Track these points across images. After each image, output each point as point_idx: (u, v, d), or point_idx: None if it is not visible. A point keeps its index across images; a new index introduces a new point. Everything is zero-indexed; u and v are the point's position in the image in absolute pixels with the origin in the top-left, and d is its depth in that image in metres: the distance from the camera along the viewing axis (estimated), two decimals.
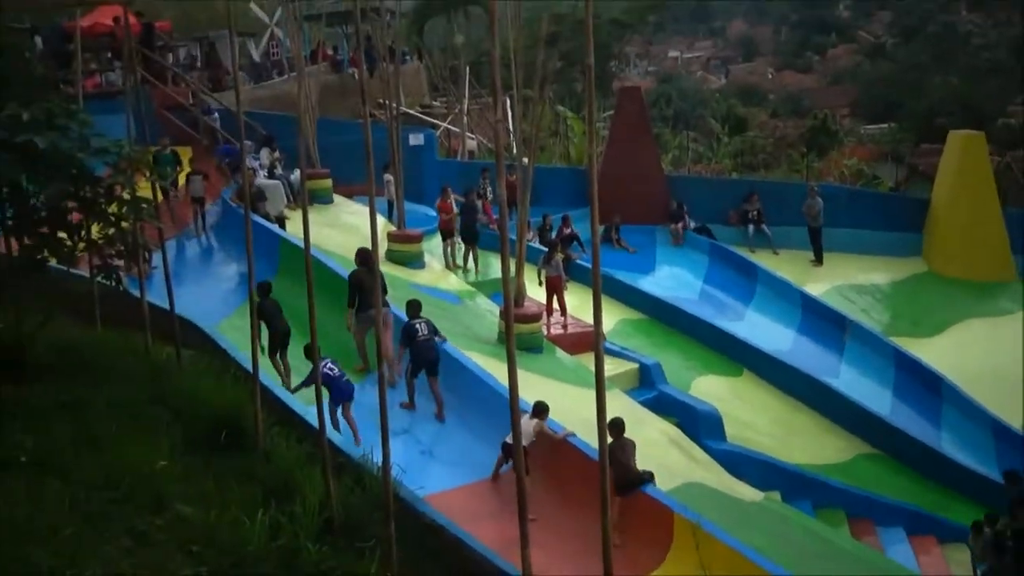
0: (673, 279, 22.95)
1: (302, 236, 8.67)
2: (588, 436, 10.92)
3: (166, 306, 10.90)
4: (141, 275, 10.87)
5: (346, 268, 14.59)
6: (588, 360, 14.89)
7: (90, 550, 6.11)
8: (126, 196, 9.22)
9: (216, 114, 24.57)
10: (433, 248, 20.55)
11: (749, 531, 10.63)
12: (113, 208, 9.15)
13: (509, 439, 10.88)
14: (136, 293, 10.77)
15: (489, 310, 17.18)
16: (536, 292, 17.61)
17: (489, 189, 23.40)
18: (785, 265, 23.58)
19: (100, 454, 7.56)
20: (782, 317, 21.30)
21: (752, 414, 17.12)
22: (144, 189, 10.21)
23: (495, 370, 12.93)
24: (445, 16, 45.23)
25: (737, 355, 18.75)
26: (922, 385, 18.91)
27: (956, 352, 20.04)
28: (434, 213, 21.47)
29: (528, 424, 10.82)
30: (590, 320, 8.83)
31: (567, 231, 22.29)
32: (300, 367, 12.49)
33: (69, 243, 9.11)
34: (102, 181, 9.00)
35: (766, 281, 22.58)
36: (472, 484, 11.34)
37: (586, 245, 21.50)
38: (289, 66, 32.20)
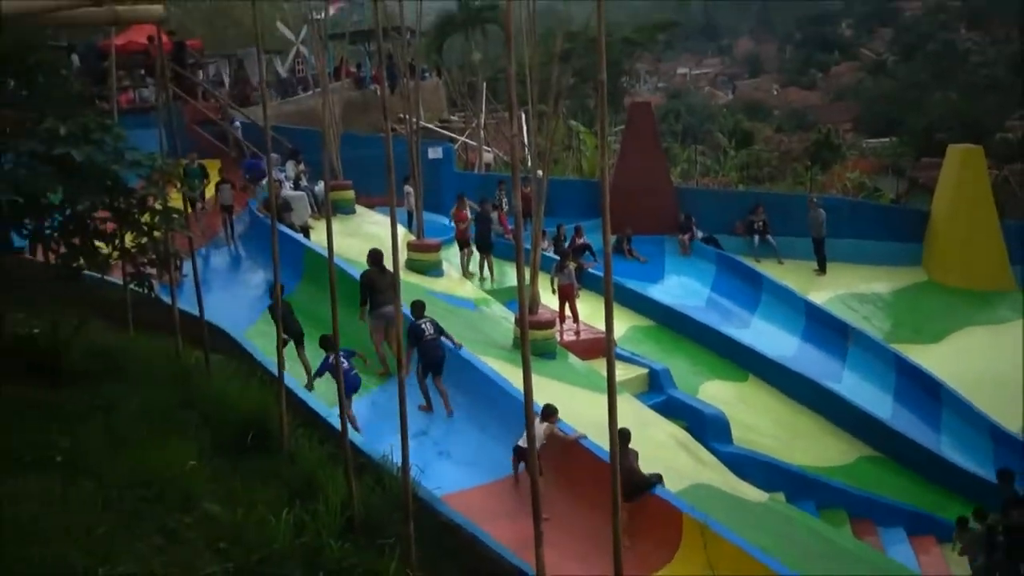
0: (681, 287, 22.90)
1: (326, 245, 8.69)
2: (600, 439, 10.91)
3: (196, 312, 10.93)
4: (172, 283, 10.88)
5: None
6: (600, 365, 14.88)
7: (122, 548, 6.12)
8: (158, 207, 9.25)
9: (238, 123, 24.69)
10: (451, 257, 20.57)
11: (755, 531, 10.59)
12: (146, 218, 9.16)
13: (519, 442, 10.90)
14: (167, 300, 10.80)
15: (504, 317, 17.16)
16: (550, 300, 17.58)
17: (505, 200, 23.42)
18: (789, 274, 23.50)
19: (132, 455, 7.57)
20: (786, 324, 21.21)
21: (757, 418, 17.05)
22: (175, 200, 10.25)
23: (510, 374, 12.91)
24: (463, 34, 45.47)
25: (743, 361, 18.68)
26: (922, 390, 18.79)
27: (955, 359, 19.91)
28: (452, 223, 21.51)
29: (538, 427, 10.78)
30: (602, 327, 8.80)
31: (580, 241, 22.29)
32: (315, 359, 12.75)
33: (104, 252, 9.13)
34: (135, 192, 9.02)
35: (771, 290, 22.50)
36: (487, 484, 11.30)
37: (598, 254, 21.48)
38: (314, 82, 32.33)
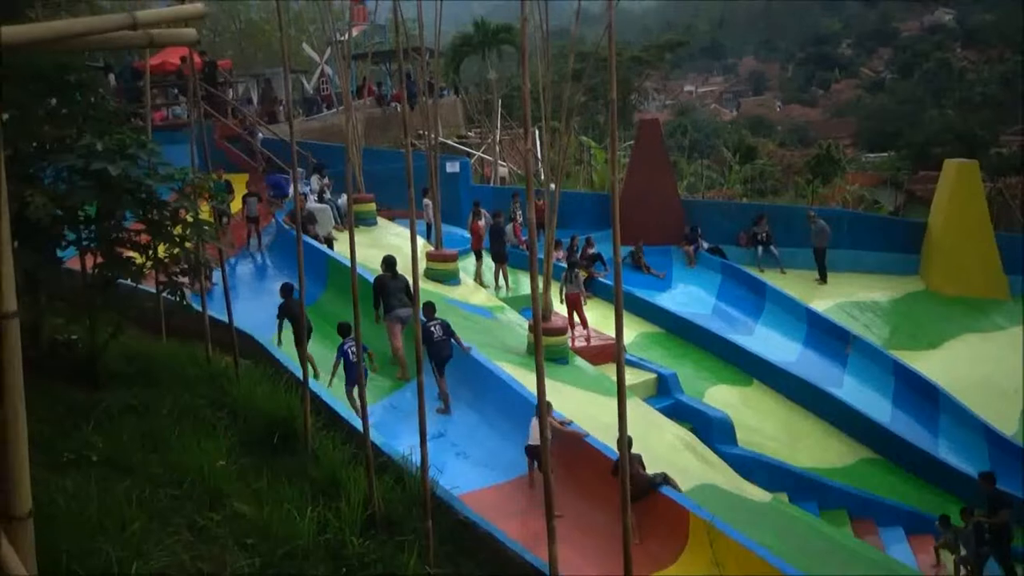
0: (688, 296, 22.85)
1: (348, 255, 8.71)
2: (609, 441, 10.90)
3: (225, 319, 10.97)
4: (203, 291, 10.92)
5: None
6: (610, 370, 14.85)
7: (155, 543, 6.13)
8: (190, 219, 9.28)
9: (260, 135, 24.82)
10: (468, 267, 20.60)
11: (759, 530, 10.55)
12: (178, 230, 9.19)
13: (529, 442, 10.91)
14: (198, 307, 10.83)
15: (519, 323, 17.16)
16: (562, 308, 17.59)
17: (519, 212, 23.46)
18: (792, 283, 23.42)
19: (164, 454, 7.60)
20: (789, 331, 21.13)
21: (761, 421, 17.00)
22: (206, 212, 10.29)
23: (524, 379, 12.92)
24: (480, 55, 45.58)
25: (747, 366, 18.64)
26: (920, 395, 18.69)
27: (951, 364, 19.81)
28: (468, 235, 21.55)
29: (536, 424, 10.77)
30: (612, 333, 8.79)
31: (591, 251, 22.33)
32: (325, 355, 12.94)
33: (138, 262, 9.18)
34: (168, 205, 9.06)
35: (774, 298, 22.43)
36: (502, 483, 11.30)
37: (609, 264, 21.47)
38: (338, 100, 32.48)
